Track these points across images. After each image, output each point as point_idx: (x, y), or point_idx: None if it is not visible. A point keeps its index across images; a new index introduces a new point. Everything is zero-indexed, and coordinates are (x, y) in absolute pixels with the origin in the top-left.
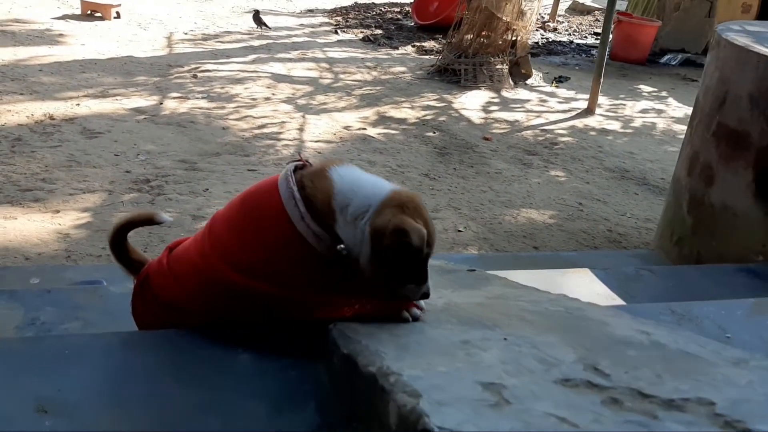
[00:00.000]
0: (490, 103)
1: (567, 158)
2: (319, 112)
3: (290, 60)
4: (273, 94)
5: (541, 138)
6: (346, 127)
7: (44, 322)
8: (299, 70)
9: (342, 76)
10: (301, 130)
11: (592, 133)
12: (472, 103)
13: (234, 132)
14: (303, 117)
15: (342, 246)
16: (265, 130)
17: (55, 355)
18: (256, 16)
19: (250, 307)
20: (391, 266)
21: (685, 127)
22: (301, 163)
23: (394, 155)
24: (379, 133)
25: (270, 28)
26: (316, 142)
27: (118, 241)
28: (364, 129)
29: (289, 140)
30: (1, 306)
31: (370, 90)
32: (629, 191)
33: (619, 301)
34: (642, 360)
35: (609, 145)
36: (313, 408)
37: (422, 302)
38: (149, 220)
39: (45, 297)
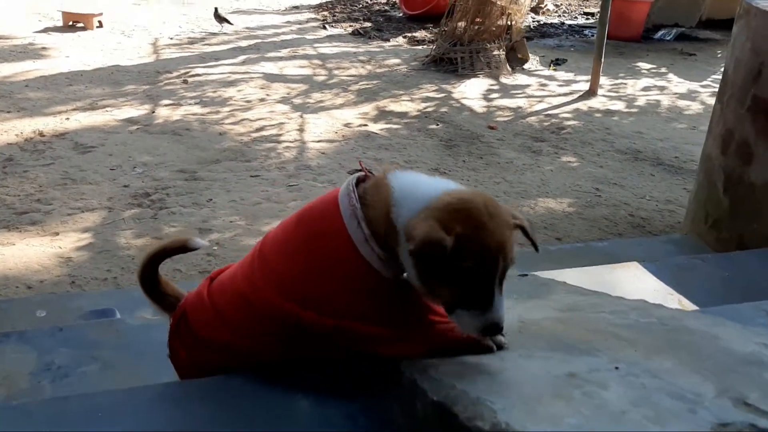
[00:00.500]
0: (490, 91)
1: (576, 142)
2: (317, 111)
3: (281, 59)
4: (267, 95)
5: (546, 123)
6: (347, 125)
7: (60, 366)
8: (291, 68)
9: (336, 72)
10: (301, 130)
11: (598, 114)
12: (471, 91)
13: (232, 137)
14: (301, 117)
15: (406, 274)
16: (264, 133)
17: (87, 418)
18: (217, 14)
19: (309, 344)
20: (432, 285)
21: (689, 103)
22: (363, 174)
23: (401, 151)
24: (381, 129)
25: (231, 24)
26: (318, 142)
27: (149, 274)
28: (366, 125)
29: (290, 142)
30: (12, 350)
31: (367, 84)
32: (645, 173)
33: (678, 296)
34: None
35: (616, 126)
36: None
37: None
38: (182, 248)
39: (57, 336)
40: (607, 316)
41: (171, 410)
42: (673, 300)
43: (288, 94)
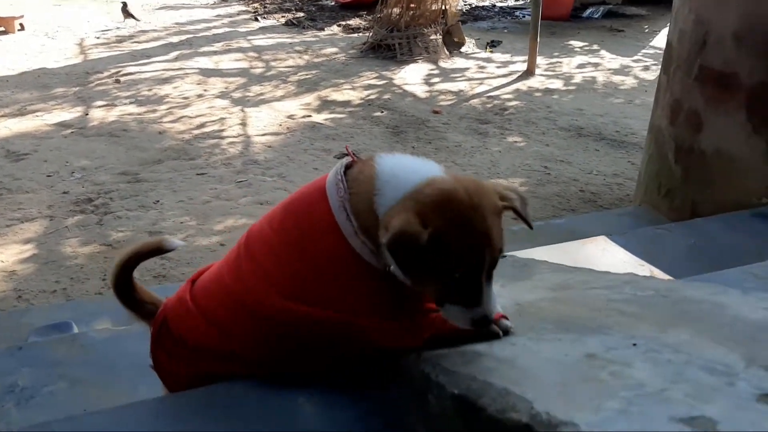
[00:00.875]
0: (430, 75)
1: (520, 122)
2: (258, 104)
3: (215, 53)
4: (205, 90)
5: (489, 105)
6: (290, 116)
7: (24, 388)
8: (227, 62)
9: (273, 63)
10: (243, 124)
11: (538, 94)
12: (412, 77)
13: (172, 135)
14: (242, 111)
15: (393, 266)
16: (205, 130)
17: None
18: (124, 9)
19: (306, 341)
20: (415, 279)
21: (623, 78)
22: (351, 159)
23: (348, 140)
24: (326, 119)
25: (138, 20)
26: (263, 135)
27: (123, 281)
28: (309, 116)
29: (234, 137)
30: None
31: (306, 75)
32: (589, 148)
33: (649, 267)
34: None
35: (557, 105)
36: None
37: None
38: (157, 250)
39: (17, 356)
40: (603, 291)
41: (171, 426)
42: (644, 271)
43: (226, 88)
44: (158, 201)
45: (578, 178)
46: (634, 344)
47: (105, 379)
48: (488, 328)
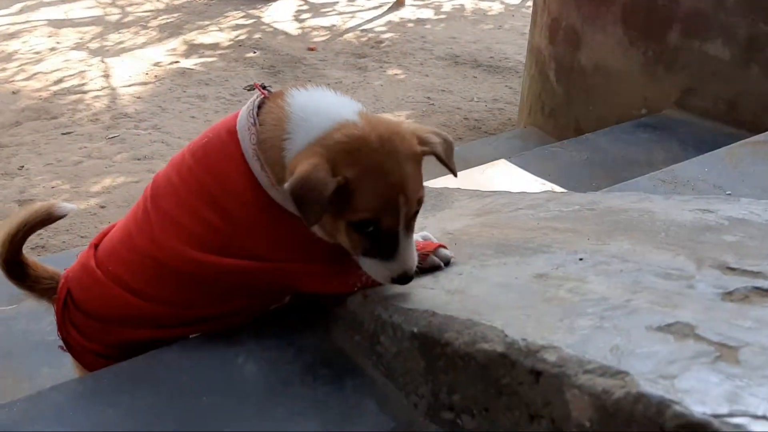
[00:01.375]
0: (300, 12)
1: (398, 54)
2: (119, 53)
3: (63, 1)
4: (58, 43)
5: (364, 39)
6: (157, 64)
7: None
8: (78, 10)
9: (129, 9)
10: (106, 76)
11: (410, 24)
12: (281, 14)
13: (28, 94)
14: (102, 62)
15: None
16: (64, 85)
17: None
18: None
19: (232, 291)
20: (327, 231)
21: (490, 4)
22: (262, 96)
23: (223, 84)
24: (195, 64)
25: None
26: (130, 86)
27: (12, 256)
28: (177, 62)
29: (97, 90)
30: None
31: (167, 19)
32: (467, 76)
33: (550, 185)
34: (748, 242)
35: (431, 34)
36: (375, 411)
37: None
38: (47, 218)
39: None
40: (528, 211)
41: (99, 407)
42: (547, 188)
43: (81, 39)
44: (23, 167)
45: (461, 106)
46: (581, 259)
47: (1, 365)
48: (439, 251)
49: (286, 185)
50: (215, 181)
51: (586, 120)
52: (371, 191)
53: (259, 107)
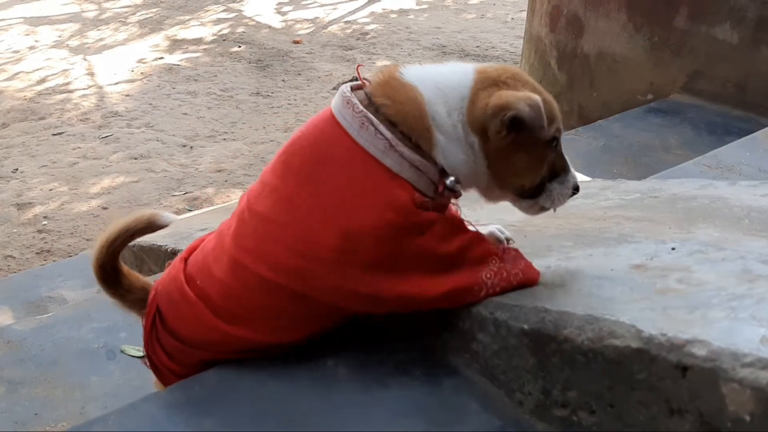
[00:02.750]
0: (281, 4)
1: (385, 45)
2: (101, 50)
3: None
4: (37, 42)
5: (349, 30)
6: (141, 60)
7: None
8: (54, 7)
9: (107, 5)
10: (91, 74)
11: (394, 15)
12: (262, 7)
13: (11, 95)
14: (85, 59)
15: (452, 178)
16: (48, 84)
17: None
18: None
19: (320, 315)
20: (515, 165)
21: None
22: (355, 83)
23: (212, 80)
24: (181, 60)
25: None
26: (117, 84)
27: (109, 260)
28: (162, 58)
29: (84, 89)
30: None
31: (147, 14)
32: None
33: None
34: None
35: (415, 24)
36: (478, 410)
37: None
38: (148, 226)
39: None
40: (586, 201)
41: (196, 419)
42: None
43: (60, 36)
44: (17, 169)
45: None
46: (673, 248)
47: (48, 375)
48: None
49: (505, 118)
50: (313, 165)
51: (590, 107)
52: (550, 107)
53: (355, 90)
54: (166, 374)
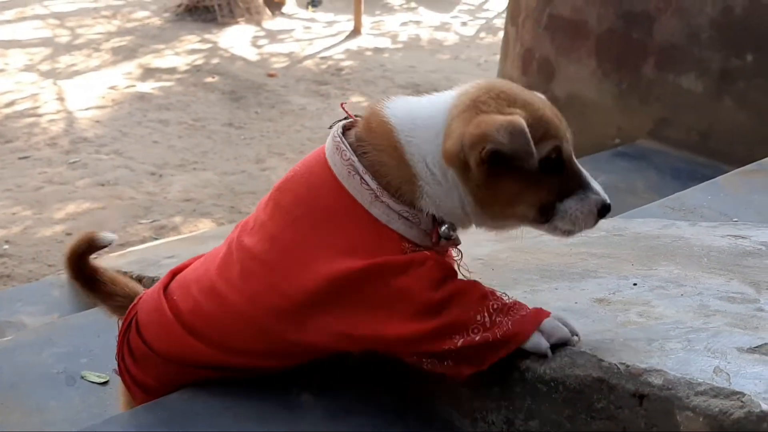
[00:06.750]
0: (257, 38)
1: (359, 82)
2: (72, 76)
3: (8, 22)
4: (6, 65)
5: (324, 66)
6: (113, 87)
7: None
8: (26, 31)
9: (80, 30)
10: (61, 99)
11: (369, 53)
12: (238, 40)
13: None
14: (55, 84)
15: (445, 227)
16: (16, 108)
17: None
18: None
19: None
20: (503, 195)
21: (445, 34)
22: (348, 120)
23: (185, 109)
24: (153, 88)
25: None
26: (87, 110)
27: (79, 273)
28: (134, 86)
29: (53, 113)
30: None
31: (120, 42)
32: None
33: None
34: None
35: (390, 63)
36: None
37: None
38: (91, 246)
39: None
40: (552, 237)
41: None
42: None
43: (30, 60)
44: None
45: None
46: (635, 284)
47: (6, 399)
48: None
49: (481, 151)
50: (301, 210)
51: None
52: (543, 123)
53: (347, 129)
54: (129, 382)
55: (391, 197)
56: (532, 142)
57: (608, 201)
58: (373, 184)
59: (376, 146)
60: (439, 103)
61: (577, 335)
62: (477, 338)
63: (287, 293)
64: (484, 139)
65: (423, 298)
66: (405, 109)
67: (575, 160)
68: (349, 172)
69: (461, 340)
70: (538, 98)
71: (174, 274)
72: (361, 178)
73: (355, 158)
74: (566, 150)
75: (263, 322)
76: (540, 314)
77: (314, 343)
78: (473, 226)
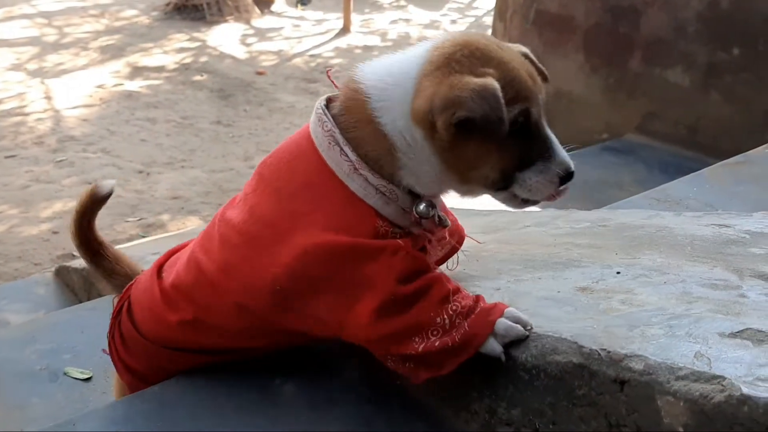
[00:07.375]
0: (246, 36)
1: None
2: (60, 74)
3: None
4: None
5: (313, 64)
6: (101, 86)
7: None
8: (13, 30)
9: (67, 29)
10: (48, 98)
11: (358, 51)
12: (226, 38)
13: None
14: (42, 83)
15: (423, 205)
16: (3, 107)
17: None
18: None
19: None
20: (469, 157)
21: (435, 32)
22: (334, 94)
23: (173, 107)
24: (141, 87)
25: None
26: (74, 108)
27: (85, 240)
28: (122, 84)
29: (40, 113)
30: None
31: (108, 40)
32: None
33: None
34: None
35: None
36: (425, 429)
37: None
38: (95, 200)
39: None
40: (538, 228)
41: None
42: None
43: (18, 59)
44: None
45: None
46: (618, 272)
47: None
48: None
49: (451, 117)
50: (286, 187)
51: None
52: (515, 84)
53: (330, 101)
54: (120, 367)
55: (370, 170)
56: (505, 110)
57: (572, 168)
58: (353, 156)
59: (353, 117)
60: (411, 58)
61: (530, 326)
62: (437, 343)
63: (258, 265)
64: (454, 104)
65: (389, 289)
66: (377, 71)
67: (544, 124)
68: (330, 144)
69: (422, 345)
70: (515, 54)
71: (171, 254)
72: (341, 149)
73: (336, 129)
74: (534, 114)
75: (238, 295)
76: (493, 313)
77: (289, 323)
78: (445, 189)
